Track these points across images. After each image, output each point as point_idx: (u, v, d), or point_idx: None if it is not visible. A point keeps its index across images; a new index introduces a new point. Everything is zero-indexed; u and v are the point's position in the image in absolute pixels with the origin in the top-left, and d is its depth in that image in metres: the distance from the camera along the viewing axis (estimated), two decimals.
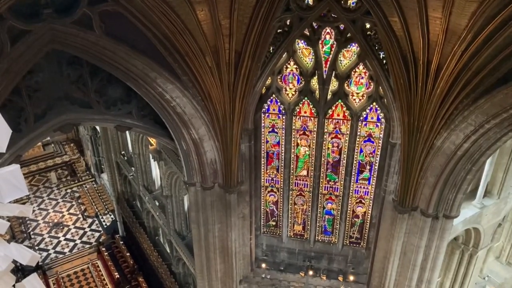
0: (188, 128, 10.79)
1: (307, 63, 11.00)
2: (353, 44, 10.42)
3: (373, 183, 12.29)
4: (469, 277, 16.77)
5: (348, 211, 12.89)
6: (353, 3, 9.56)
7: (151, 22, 8.80)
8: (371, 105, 11.21)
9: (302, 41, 10.68)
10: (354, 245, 13.42)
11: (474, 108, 9.06)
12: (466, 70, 8.57)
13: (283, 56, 10.75)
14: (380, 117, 11.31)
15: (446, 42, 8.45)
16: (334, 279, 13.49)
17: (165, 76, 9.71)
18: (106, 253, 23.48)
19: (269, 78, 11.08)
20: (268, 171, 12.76)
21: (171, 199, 16.91)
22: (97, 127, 23.85)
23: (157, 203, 19.19)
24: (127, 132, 18.25)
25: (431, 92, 9.26)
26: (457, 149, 9.73)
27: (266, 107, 11.78)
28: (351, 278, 13.40)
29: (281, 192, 13.01)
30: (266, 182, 12.96)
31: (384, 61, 9.90)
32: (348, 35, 10.19)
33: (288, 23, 10.03)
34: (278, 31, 10.06)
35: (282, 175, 12.70)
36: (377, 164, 11.94)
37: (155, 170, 19.02)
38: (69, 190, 28.60)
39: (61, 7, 8.21)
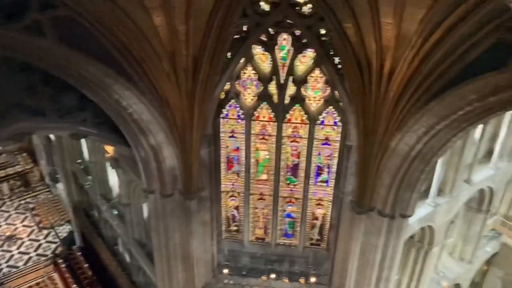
0: (146, 135, 10.64)
1: (265, 68, 11.10)
2: (309, 50, 10.61)
3: (331, 185, 12.52)
4: (425, 274, 17.36)
5: (308, 214, 13.07)
6: (308, 9, 9.75)
7: (105, 28, 8.63)
8: (328, 109, 11.44)
9: (259, 47, 10.78)
10: (315, 246, 13.60)
11: (426, 111, 9.42)
12: (417, 74, 8.90)
13: (241, 61, 10.81)
14: (336, 120, 11.56)
15: (398, 47, 8.75)
16: (296, 281, 13.60)
17: (121, 83, 9.54)
18: (63, 265, 22.72)
19: (228, 83, 11.12)
20: (228, 176, 12.76)
21: (130, 207, 16.59)
22: (51, 136, 23.12)
23: (115, 212, 18.79)
24: (82, 140, 17.77)
25: (385, 95, 9.55)
26: (410, 150, 10.08)
27: (225, 113, 11.79)
28: (313, 279, 13.56)
29: (242, 197, 13.04)
30: (227, 187, 12.95)
31: (339, 66, 10.14)
32: (304, 41, 10.37)
33: (245, 29, 10.11)
34: (235, 36, 10.12)
35: (242, 180, 12.72)
36: (335, 167, 12.18)
37: (113, 179, 18.62)
38: (22, 201, 27.54)
39: (11, 12, 7.92)
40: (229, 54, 10.32)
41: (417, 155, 10.16)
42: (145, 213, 16.21)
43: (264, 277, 13.67)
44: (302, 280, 13.58)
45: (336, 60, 10.20)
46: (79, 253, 23.06)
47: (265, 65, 11.07)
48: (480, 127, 15.75)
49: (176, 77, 9.84)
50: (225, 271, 13.83)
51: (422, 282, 17.54)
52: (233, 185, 12.90)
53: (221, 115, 11.74)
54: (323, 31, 9.97)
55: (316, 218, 13.20)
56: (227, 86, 11.20)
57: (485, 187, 17.79)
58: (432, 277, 18.34)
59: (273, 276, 13.60)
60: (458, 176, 15.81)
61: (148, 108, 10.19)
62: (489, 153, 18.03)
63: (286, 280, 13.61)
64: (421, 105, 9.37)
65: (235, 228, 13.64)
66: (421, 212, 15.07)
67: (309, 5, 9.70)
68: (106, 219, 19.85)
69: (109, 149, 16.32)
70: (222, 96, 11.32)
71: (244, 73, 11.20)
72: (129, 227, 17.27)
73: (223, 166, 12.54)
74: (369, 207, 11.32)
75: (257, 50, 10.87)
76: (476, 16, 7.60)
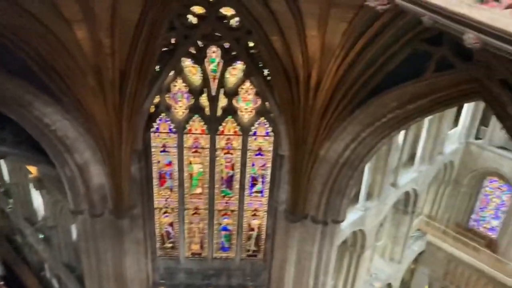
0: (71, 153, 10.15)
1: (195, 81, 11.04)
2: (239, 62, 10.71)
3: (266, 195, 12.63)
4: (359, 277, 17.97)
5: (244, 225, 13.07)
6: (236, 22, 9.85)
7: (24, 42, 8.21)
8: (260, 120, 11.57)
9: (189, 59, 10.71)
10: (252, 258, 13.60)
11: (351, 119, 9.84)
12: (342, 84, 9.27)
13: (171, 74, 10.68)
14: (268, 131, 11.71)
15: (323, 58, 9.07)
16: None
17: (43, 99, 9.08)
18: None
19: (157, 96, 10.91)
20: (161, 192, 12.47)
21: (57, 230, 15.77)
22: None
23: (41, 236, 17.74)
24: (1, 160, 16.66)
25: (313, 105, 9.83)
26: (339, 157, 10.44)
27: (156, 126, 11.55)
28: None
29: (176, 212, 12.78)
30: (160, 204, 12.64)
31: (269, 78, 10.32)
32: (233, 53, 10.45)
33: (173, 42, 10.01)
34: (164, 49, 9.98)
35: (176, 195, 12.49)
36: (268, 177, 12.31)
37: (37, 200, 17.60)
38: None
39: None
40: (157, 67, 10.15)
41: (345, 161, 10.54)
42: (74, 235, 15.45)
43: None
44: None
45: (265, 72, 10.37)
46: (1, 283, 21.45)
47: (196, 78, 11.01)
48: (402, 132, 16.68)
49: (102, 92, 9.50)
50: None
51: (356, 285, 18.13)
52: (166, 201, 12.62)
53: (152, 129, 11.49)
54: (251, 44, 10.10)
55: (252, 229, 13.22)
56: (157, 100, 10.99)
57: (410, 189, 18.85)
58: (366, 280, 19.02)
59: None
60: (385, 180, 16.61)
61: (73, 124, 9.76)
62: (412, 157, 19.15)
63: None
64: (347, 113, 9.76)
65: (170, 245, 13.32)
66: (352, 216, 15.64)
67: (237, 18, 9.80)
68: (31, 244, 18.70)
69: (32, 169, 15.42)
70: (152, 109, 11.09)
71: (174, 86, 11.06)
72: (56, 251, 16.38)
73: (155, 182, 12.24)
74: (302, 215, 11.53)
75: (187, 62, 10.79)
76: (392, 29, 8.08)
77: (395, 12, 7.70)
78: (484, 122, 21.46)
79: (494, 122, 20.45)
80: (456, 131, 21.57)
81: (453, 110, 19.25)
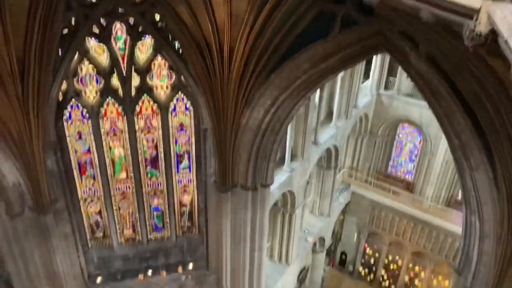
0: None
1: (103, 61, 10.51)
2: (147, 37, 10.33)
3: (193, 170, 12.56)
4: (293, 235, 18.68)
5: (175, 203, 12.97)
6: None
7: None
8: (177, 95, 11.34)
9: (93, 39, 10.14)
10: (187, 234, 13.60)
11: (268, 85, 9.95)
12: (255, 50, 9.31)
13: (76, 57, 10.06)
14: (187, 105, 11.54)
15: (233, 26, 9.01)
16: (174, 272, 13.49)
17: None
18: None
19: (64, 82, 10.27)
20: (83, 182, 11.95)
21: None
22: None
23: None
24: None
25: (229, 74, 9.81)
26: (260, 123, 10.60)
27: (68, 114, 10.92)
28: (190, 266, 13.60)
29: (103, 201, 12.36)
30: (84, 194, 12.13)
31: (180, 50, 10.08)
32: (140, 29, 10.05)
33: (73, 23, 9.39)
34: (64, 32, 9.34)
35: (100, 182, 12.04)
36: (193, 151, 12.22)
37: None
38: None
39: None
40: (60, 51, 9.50)
41: (267, 127, 10.73)
42: None
43: (140, 276, 13.29)
44: (180, 270, 13.53)
45: (176, 45, 10.11)
46: None
47: (103, 58, 10.48)
48: (318, 91, 17.21)
49: (2, 84, 8.76)
50: (98, 280, 13.09)
51: (291, 243, 18.86)
52: (90, 190, 12.13)
53: (64, 118, 10.86)
54: (157, 17, 9.76)
55: (184, 205, 13.17)
56: (64, 86, 10.36)
57: (330, 145, 19.66)
58: (299, 236, 19.83)
59: (149, 273, 13.29)
60: (307, 140, 17.15)
61: None
62: (329, 114, 19.91)
63: (164, 274, 13.41)
64: (263, 79, 9.86)
65: (101, 234, 12.92)
66: (280, 179, 16.08)
67: None
68: None
69: None
70: (61, 97, 10.45)
71: (81, 69, 10.45)
72: None
73: (75, 172, 11.69)
74: (232, 184, 11.66)
75: (92, 42, 10.21)
76: None
77: None
78: (392, 73, 22.72)
79: (400, 72, 21.70)
80: (367, 84, 22.66)
81: (363, 64, 20.14)
